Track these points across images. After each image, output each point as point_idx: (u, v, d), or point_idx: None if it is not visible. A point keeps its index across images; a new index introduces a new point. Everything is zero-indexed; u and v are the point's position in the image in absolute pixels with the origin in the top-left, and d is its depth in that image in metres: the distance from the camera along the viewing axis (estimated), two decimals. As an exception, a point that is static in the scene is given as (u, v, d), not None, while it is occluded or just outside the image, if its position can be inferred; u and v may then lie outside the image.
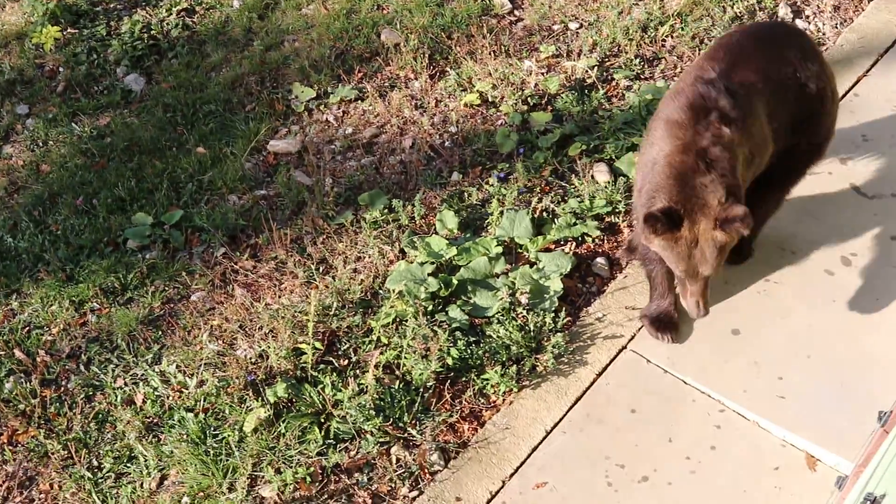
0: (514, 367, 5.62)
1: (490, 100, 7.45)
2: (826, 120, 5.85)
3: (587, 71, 7.55)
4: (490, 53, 7.77)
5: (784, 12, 7.98)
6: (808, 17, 8.03)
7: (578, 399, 5.56)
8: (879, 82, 7.30)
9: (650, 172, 5.06)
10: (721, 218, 4.81)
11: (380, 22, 8.30)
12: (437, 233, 6.45)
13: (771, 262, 6.09)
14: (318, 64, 7.98)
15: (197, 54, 8.34)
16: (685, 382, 5.57)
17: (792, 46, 5.63)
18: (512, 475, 5.26)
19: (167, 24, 8.60)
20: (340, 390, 5.56)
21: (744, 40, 5.57)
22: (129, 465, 5.51)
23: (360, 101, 7.62)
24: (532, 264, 6.20)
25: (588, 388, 5.60)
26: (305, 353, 5.77)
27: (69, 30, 8.61)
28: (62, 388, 5.94)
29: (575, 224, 6.37)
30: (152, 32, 8.49)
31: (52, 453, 5.56)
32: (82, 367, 6.01)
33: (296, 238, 6.57)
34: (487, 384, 5.62)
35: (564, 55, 7.80)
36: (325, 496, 5.25)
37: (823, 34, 7.88)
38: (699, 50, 7.67)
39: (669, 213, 4.83)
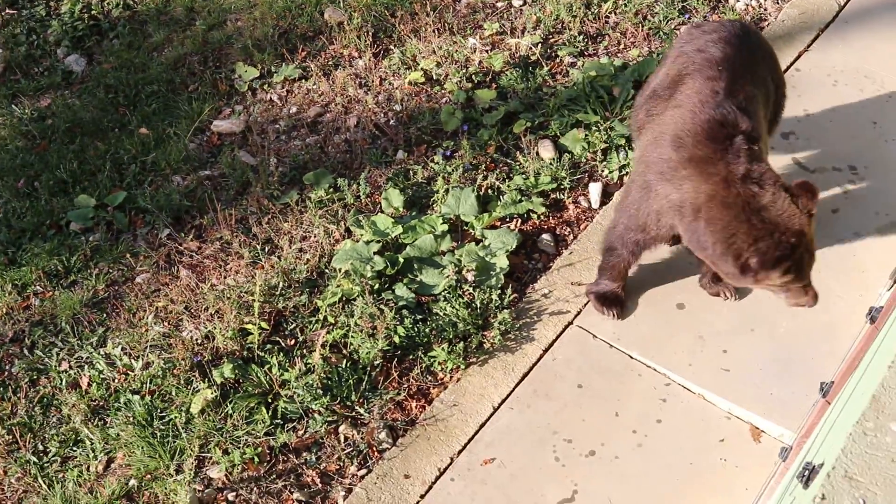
0: (462, 345, 5.63)
1: (434, 78, 7.43)
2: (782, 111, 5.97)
3: (531, 48, 7.56)
4: (434, 31, 7.75)
5: (726, -12, 8.05)
6: (749, -8, 8.10)
7: (525, 375, 5.58)
8: (820, 57, 7.36)
9: (694, 219, 4.89)
10: (809, 209, 4.76)
11: (323, 0, 8.25)
12: (382, 211, 6.43)
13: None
14: (262, 43, 7.92)
15: (138, 34, 8.25)
16: (631, 357, 5.61)
17: (758, 47, 5.62)
18: (460, 452, 5.27)
19: (108, 3, 8.50)
20: (287, 370, 5.55)
21: (721, 51, 5.34)
22: (74, 448, 5.47)
23: (304, 80, 7.57)
24: (478, 241, 6.21)
25: (535, 364, 5.62)
26: (252, 334, 5.75)
27: (7, 11, 8.50)
28: (6, 373, 5.87)
29: (520, 201, 6.38)
30: (93, 13, 8.39)
31: (-3, 438, 5.52)
32: (26, 352, 5.95)
33: (241, 218, 6.54)
34: (435, 362, 5.64)
35: (508, 32, 7.80)
36: (274, 476, 5.24)
37: (765, 10, 7.94)
38: (642, 26, 7.70)
39: (791, 249, 4.72)
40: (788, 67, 7.24)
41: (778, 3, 8.00)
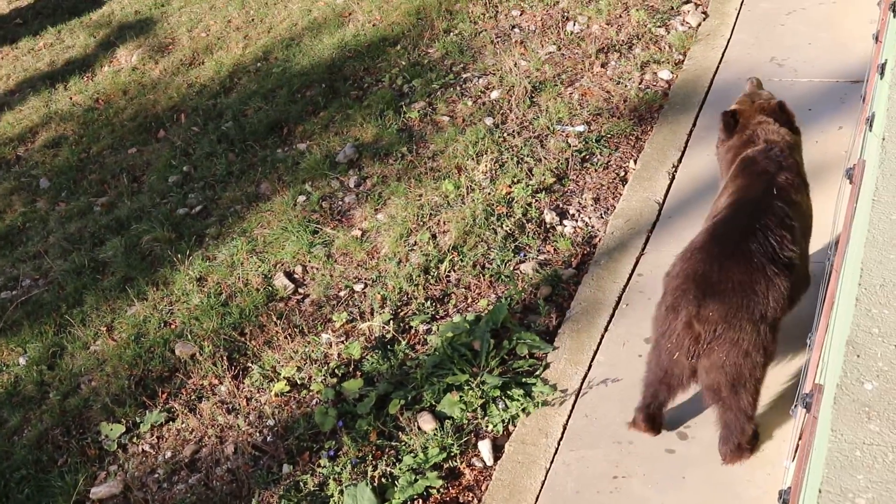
0: None
1: (299, 382, 7.39)
2: None
3: (384, 327, 7.61)
4: (286, 337, 7.76)
5: (550, 217, 8.29)
6: (573, 215, 8.35)
7: None
8: (657, 257, 7.58)
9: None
10: None
11: (170, 337, 8.21)
12: (283, 532, 6.27)
13: (611, 458, 6.13)
14: (120, 397, 7.79)
15: (-6, 426, 8.06)
16: None
17: None
18: None
19: (-44, 403, 8.32)
20: None
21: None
22: None
23: (171, 423, 7.43)
24: (386, 534, 6.08)
25: None
26: None
27: None
28: None
29: (416, 480, 6.29)
30: (-58, 416, 8.20)
31: None
32: None
33: (142, 583, 6.29)
34: None
35: (358, 318, 7.85)
36: None
37: (593, 227, 8.19)
38: (484, 276, 7.84)
39: None
40: (631, 275, 7.44)
41: (602, 217, 8.27)
